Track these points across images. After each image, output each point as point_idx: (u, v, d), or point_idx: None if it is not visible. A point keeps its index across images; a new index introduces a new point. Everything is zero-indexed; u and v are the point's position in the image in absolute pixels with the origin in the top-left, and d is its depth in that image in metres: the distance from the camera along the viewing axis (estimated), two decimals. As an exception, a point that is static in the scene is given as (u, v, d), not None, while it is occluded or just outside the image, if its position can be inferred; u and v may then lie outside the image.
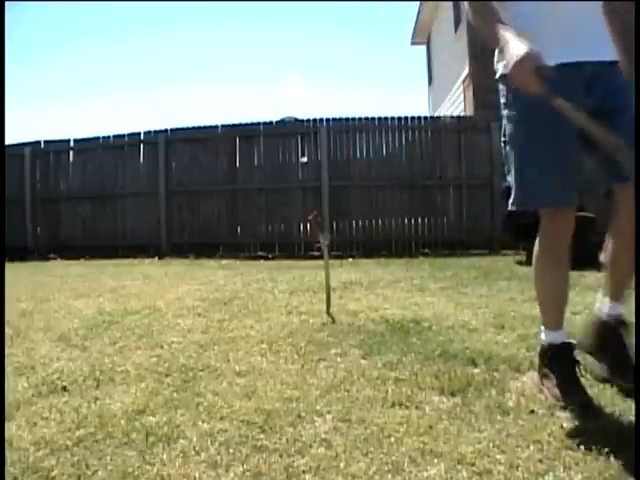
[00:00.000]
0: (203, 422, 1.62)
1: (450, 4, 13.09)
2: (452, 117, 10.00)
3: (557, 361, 1.75)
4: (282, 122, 8.59)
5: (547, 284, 1.82)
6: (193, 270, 5.71)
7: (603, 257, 1.84)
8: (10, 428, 1.61)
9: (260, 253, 7.85)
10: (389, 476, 1.30)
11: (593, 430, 1.49)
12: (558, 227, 1.73)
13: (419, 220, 8.02)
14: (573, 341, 1.81)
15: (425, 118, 8.52)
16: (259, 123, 8.34)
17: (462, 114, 11.74)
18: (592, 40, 1.69)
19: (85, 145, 8.89)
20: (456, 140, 7.95)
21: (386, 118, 8.09)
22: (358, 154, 8.10)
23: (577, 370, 1.73)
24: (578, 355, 1.80)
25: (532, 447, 1.41)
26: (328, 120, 8.10)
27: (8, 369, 2.18)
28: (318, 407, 1.70)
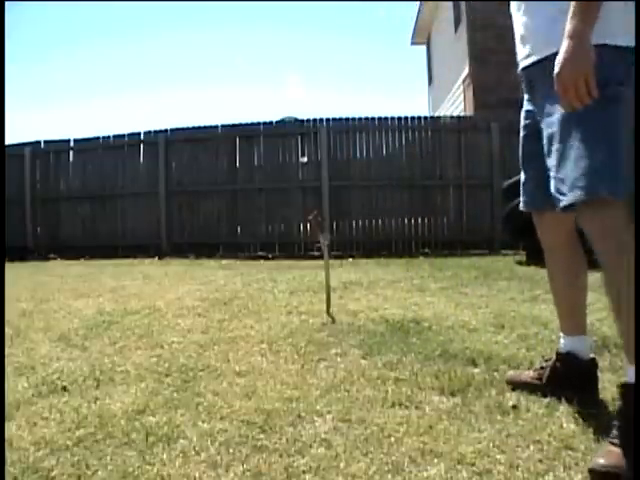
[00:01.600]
0: (203, 422, 1.62)
1: (450, 4, 13.10)
2: (452, 117, 9.99)
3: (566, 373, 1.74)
4: (282, 122, 8.58)
5: (550, 284, 1.86)
6: (193, 270, 5.70)
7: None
8: (10, 428, 1.61)
9: (260, 253, 7.85)
10: (389, 476, 1.30)
11: (593, 430, 1.49)
12: (537, 228, 1.82)
13: (419, 220, 8.02)
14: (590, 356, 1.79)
15: (425, 118, 8.51)
16: (259, 123, 8.34)
17: (462, 114, 11.75)
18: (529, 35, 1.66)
19: (85, 145, 8.89)
20: (456, 140, 7.96)
21: (386, 118, 8.09)
22: (358, 154, 8.09)
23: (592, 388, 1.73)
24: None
25: (532, 447, 1.41)
26: (328, 120, 8.10)
27: (8, 369, 2.18)
28: (318, 407, 1.70)
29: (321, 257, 3.67)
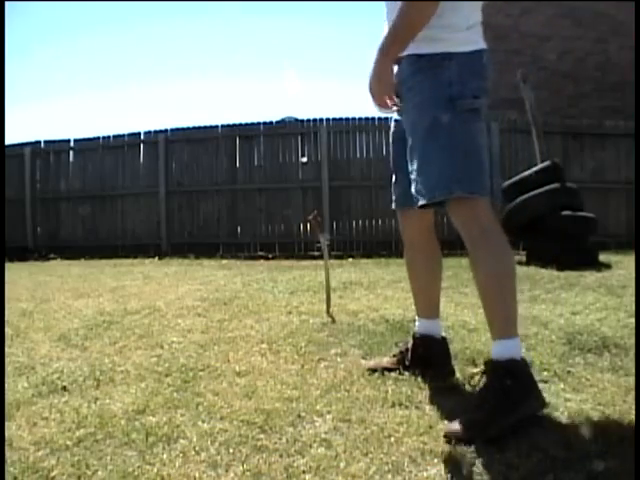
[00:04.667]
0: (203, 422, 1.62)
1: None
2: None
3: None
4: (282, 122, 8.59)
5: (410, 273, 2.07)
6: (193, 270, 5.70)
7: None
8: (10, 428, 1.61)
9: (260, 253, 7.85)
10: (389, 476, 1.31)
11: (593, 430, 1.49)
12: (401, 224, 2.02)
13: (419, 220, 8.01)
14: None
15: (425, 118, 8.50)
16: (259, 123, 8.34)
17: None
18: None
19: (85, 145, 8.88)
20: (456, 140, 7.94)
21: (386, 118, 8.00)
22: (358, 154, 8.10)
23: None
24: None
25: (532, 447, 1.41)
26: (328, 120, 8.10)
27: (8, 369, 2.18)
28: (318, 407, 1.70)
29: (321, 257, 3.67)
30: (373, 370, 2.00)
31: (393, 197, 2.00)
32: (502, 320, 1.61)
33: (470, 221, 1.66)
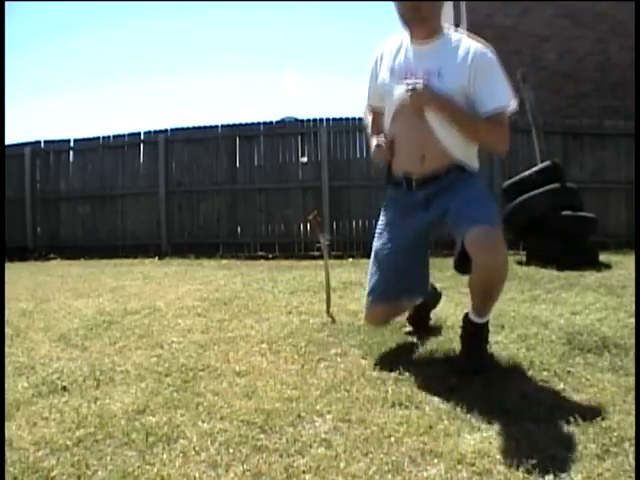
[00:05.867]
0: (203, 422, 1.62)
1: (450, 4, 13.09)
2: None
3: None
4: (282, 122, 8.58)
5: None
6: (193, 270, 5.70)
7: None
8: (10, 428, 1.61)
9: (260, 253, 7.85)
10: (389, 476, 1.31)
11: (593, 430, 1.50)
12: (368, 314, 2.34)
13: (419, 220, 8.00)
14: None
15: (425, 118, 8.48)
16: (259, 123, 8.33)
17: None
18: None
19: (85, 145, 8.87)
20: (456, 140, 7.93)
21: (386, 118, 8.07)
22: (358, 154, 8.09)
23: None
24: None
25: (532, 447, 1.41)
26: (328, 120, 8.09)
27: (8, 369, 2.18)
28: (318, 407, 1.71)
29: (321, 257, 3.67)
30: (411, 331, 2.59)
31: (384, 293, 2.27)
32: (491, 307, 2.23)
33: (497, 249, 2.21)
